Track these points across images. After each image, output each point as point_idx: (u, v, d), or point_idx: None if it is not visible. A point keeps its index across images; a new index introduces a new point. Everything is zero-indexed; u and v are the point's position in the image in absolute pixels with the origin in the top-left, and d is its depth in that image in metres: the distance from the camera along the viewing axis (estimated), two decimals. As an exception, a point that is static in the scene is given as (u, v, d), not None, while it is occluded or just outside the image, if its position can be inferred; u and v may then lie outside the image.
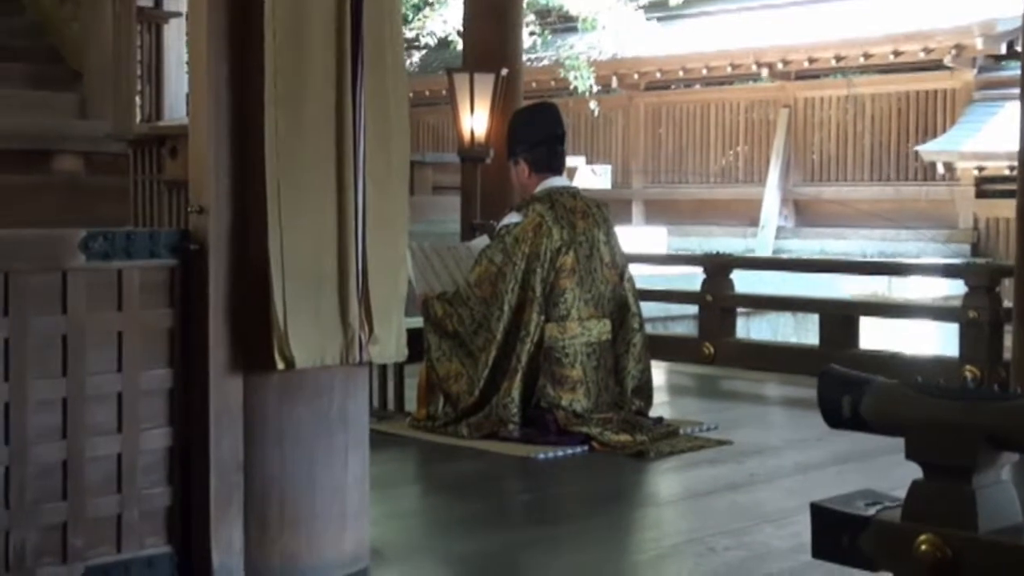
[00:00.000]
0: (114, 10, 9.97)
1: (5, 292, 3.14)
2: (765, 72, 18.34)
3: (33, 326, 3.18)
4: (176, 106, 10.88)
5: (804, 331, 10.78)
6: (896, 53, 16.99)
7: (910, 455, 2.49)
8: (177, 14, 10.87)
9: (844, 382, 2.61)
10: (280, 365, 3.35)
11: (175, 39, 10.88)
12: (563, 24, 20.62)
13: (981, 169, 15.80)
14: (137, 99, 9.99)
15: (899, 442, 2.50)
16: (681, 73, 19.34)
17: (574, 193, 5.80)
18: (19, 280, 3.16)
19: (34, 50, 11.23)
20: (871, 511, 2.53)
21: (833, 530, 2.58)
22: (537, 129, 5.83)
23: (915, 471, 2.50)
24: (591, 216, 5.70)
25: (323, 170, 3.41)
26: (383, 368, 5.86)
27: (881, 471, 4.28)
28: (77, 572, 3.26)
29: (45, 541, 3.22)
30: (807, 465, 5.10)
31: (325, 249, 3.41)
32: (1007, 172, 14.28)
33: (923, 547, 2.41)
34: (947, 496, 2.43)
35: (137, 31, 10.07)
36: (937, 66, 16.76)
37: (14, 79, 10.59)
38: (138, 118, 9.84)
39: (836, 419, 2.62)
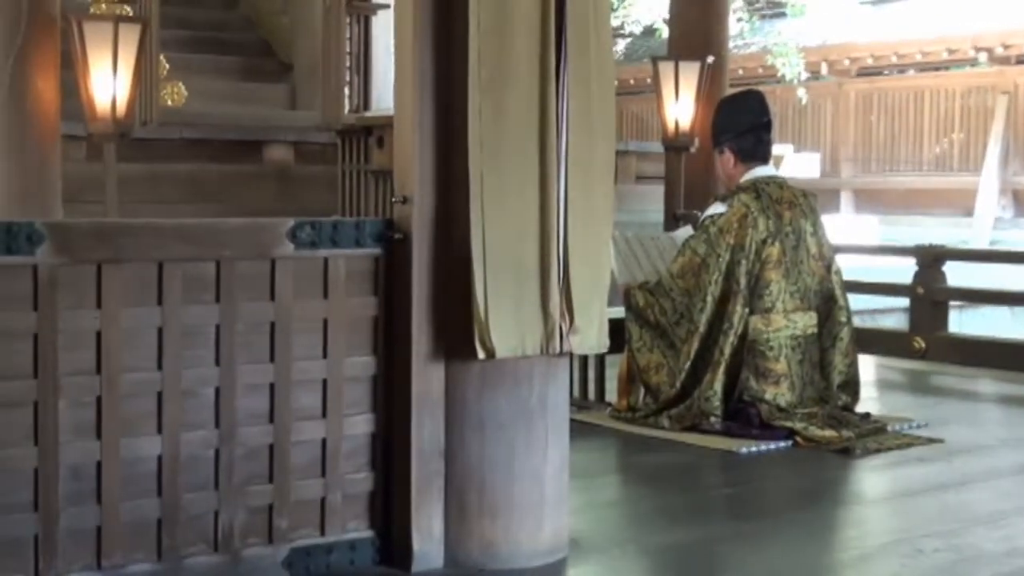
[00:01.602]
0: (324, 3, 10.21)
1: (217, 279, 3.24)
2: (984, 57, 17.73)
3: (242, 312, 3.27)
4: (384, 96, 11.06)
5: (1022, 326, 10.37)
6: (1125, 35, 16.23)
7: None
8: (386, 6, 11.05)
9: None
10: (481, 355, 3.36)
11: (383, 30, 11.06)
12: (771, 10, 20.31)
13: None
14: (345, 90, 10.21)
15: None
16: (894, 59, 18.84)
17: (781, 183, 5.69)
18: (229, 267, 3.25)
19: (246, 43, 11.61)
20: (1093, 518, 2.41)
21: (1051, 536, 2.46)
22: (743, 117, 5.73)
23: None
24: (798, 206, 5.58)
25: (526, 159, 3.40)
26: (584, 358, 5.85)
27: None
28: (282, 553, 3.34)
29: (252, 522, 3.30)
30: (1022, 466, 4.90)
31: (527, 239, 3.40)
32: None
33: None
34: None
35: (346, 23, 10.27)
36: None
37: (227, 71, 10.97)
38: (346, 109, 10.06)
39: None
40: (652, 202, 9.43)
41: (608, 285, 3.65)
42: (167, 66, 9.70)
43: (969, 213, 17.27)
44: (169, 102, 9.62)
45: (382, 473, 3.49)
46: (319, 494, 3.41)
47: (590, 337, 3.56)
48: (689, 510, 4.36)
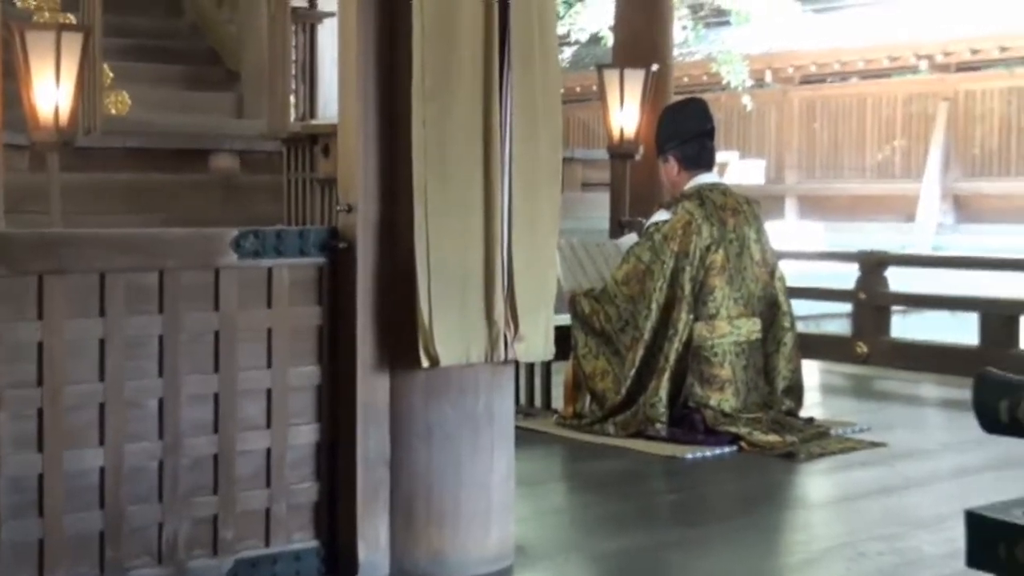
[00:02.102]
0: (269, 11, 10.16)
1: (160, 289, 3.22)
2: (924, 64, 17.94)
3: (186, 322, 3.25)
4: (330, 105, 11.02)
5: (963, 331, 10.47)
6: (1064, 43, 16.47)
7: (1071, 462, 2.39)
8: (331, 14, 11.01)
9: (1001, 386, 2.52)
10: (425, 363, 3.36)
11: (329, 39, 11.01)
12: (716, 18, 20.41)
13: None
14: (292, 98, 10.16)
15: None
16: (837, 66, 19.01)
17: (724, 190, 5.73)
18: (173, 277, 3.23)
19: (192, 51, 11.54)
20: (1030, 520, 2.44)
21: (989, 539, 2.49)
22: (686, 125, 5.77)
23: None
24: (741, 213, 5.62)
25: (470, 167, 3.41)
26: (530, 365, 5.86)
27: (1042, 477, 4.15)
28: (227, 564, 3.33)
29: (196, 533, 3.29)
30: (964, 469, 4.96)
31: (471, 247, 3.41)
32: None
33: (1084, 558, 2.31)
34: (1111, 506, 2.33)
35: (292, 31, 10.24)
36: (1107, 56, 16.21)
37: (173, 80, 10.89)
38: (292, 117, 10.01)
39: (992, 424, 2.53)
40: (598, 209, 9.45)
41: (555, 293, 3.67)
42: (111, 75, 9.62)
43: (911, 219, 17.46)
44: (113, 111, 9.53)
45: (328, 483, 3.49)
46: (264, 504, 3.40)
47: (536, 345, 3.57)
48: (635, 516, 4.38)
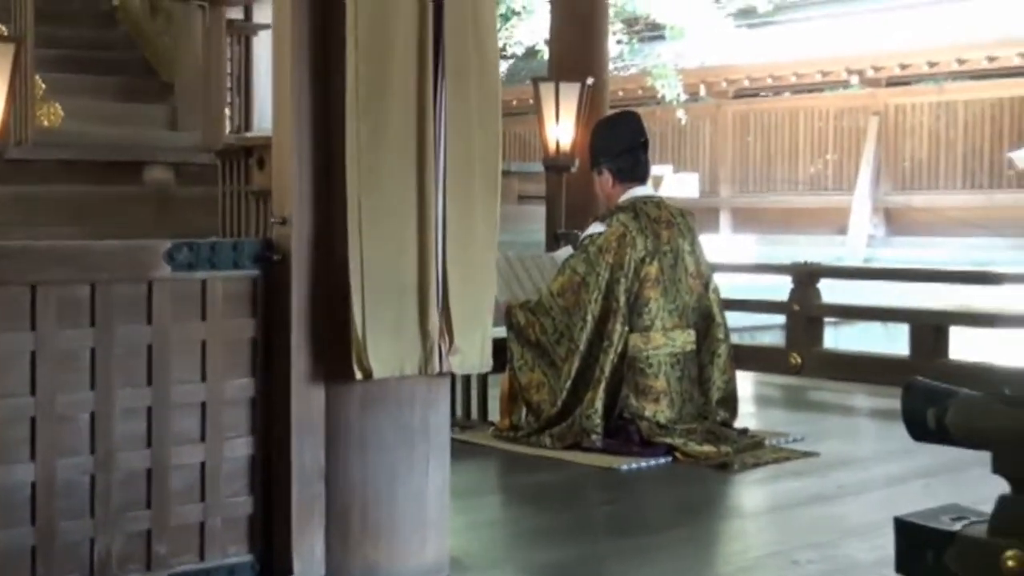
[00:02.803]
0: (204, 23, 10.12)
1: (92, 302, 3.19)
2: (855, 79, 18.16)
3: (119, 335, 3.23)
4: (265, 117, 10.99)
5: (894, 341, 10.61)
6: (990, 59, 16.75)
7: (997, 469, 2.44)
8: (266, 26, 10.97)
9: (929, 394, 2.56)
10: (358, 375, 3.36)
11: (265, 51, 10.99)
12: (650, 32, 20.56)
13: (1078, 176, 15.50)
14: (227, 111, 10.12)
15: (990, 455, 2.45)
16: (770, 80, 19.20)
17: (658, 202, 5.77)
18: (105, 290, 3.21)
19: (126, 63, 11.44)
20: (956, 526, 2.49)
21: (917, 545, 2.54)
22: (620, 138, 5.80)
23: (1006, 486, 2.45)
24: (676, 225, 5.66)
25: (404, 180, 3.41)
26: (466, 378, 5.87)
27: (971, 485, 4.18)
28: (161, 579, 3.30)
29: (130, 548, 3.26)
30: (894, 478, 5.02)
31: (405, 260, 3.41)
32: (1105, 179, 13.99)
33: (1010, 563, 2.36)
34: (1035, 511, 2.37)
35: (227, 43, 10.20)
36: (1032, 72, 16.49)
37: (107, 91, 10.79)
38: (227, 129, 9.97)
39: (920, 432, 2.57)
40: (533, 222, 9.48)
41: (493, 305, 3.67)
42: (43, 86, 9.52)
43: (843, 232, 17.66)
44: (45, 123, 9.44)
45: (262, 496, 3.47)
46: (198, 519, 3.38)
47: (472, 357, 3.57)
48: (570, 528, 4.39)
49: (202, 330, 3.36)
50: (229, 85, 10.23)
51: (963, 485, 4.42)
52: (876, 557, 3.76)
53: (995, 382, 6.15)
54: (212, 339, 3.37)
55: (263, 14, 11.25)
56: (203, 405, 3.37)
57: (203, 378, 3.36)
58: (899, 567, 2.60)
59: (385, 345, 3.37)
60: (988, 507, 2.46)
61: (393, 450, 3.52)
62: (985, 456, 2.45)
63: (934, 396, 2.54)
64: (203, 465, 3.37)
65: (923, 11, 17.86)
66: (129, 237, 3.57)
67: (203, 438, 3.37)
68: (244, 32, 10.64)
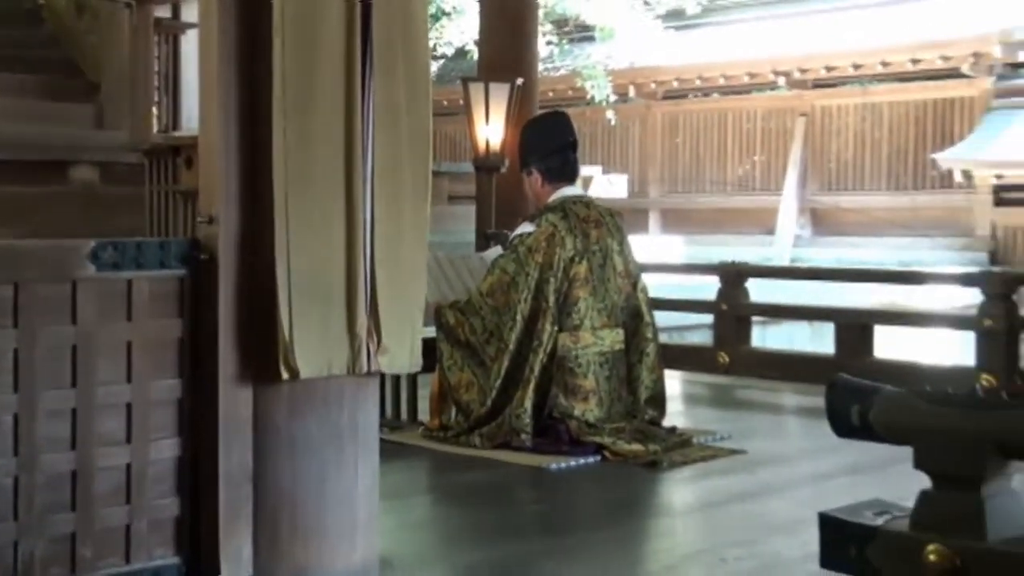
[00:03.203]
0: (131, 22, 10.02)
1: (15, 302, 3.15)
2: (782, 81, 18.34)
3: (43, 336, 3.18)
4: (193, 116, 10.91)
5: (820, 340, 10.72)
6: (914, 61, 16.98)
7: (918, 464, 2.48)
8: (194, 25, 10.90)
9: (853, 391, 2.60)
10: (284, 375, 3.34)
11: (192, 50, 10.92)
12: (580, 33, 20.63)
13: (999, 177, 15.76)
14: (154, 110, 10.04)
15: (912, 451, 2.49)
16: (698, 82, 19.35)
17: (587, 202, 5.80)
18: (29, 290, 3.16)
19: (52, 62, 11.27)
20: (879, 521, 2.53)
21: (841, 540, 2.57)
22: (548, 139, 5.83)
23: (928, 481, 2.49)
24: (604, 225, 5.69)
25: (331, 180, 3.40)
26: (396, 378, 5.86)
27: (894, 481, 4.23)
28: (86, 583, 3.27)
29: (54, 551, 3.21)
30: (820, 475, 5.08)
31: (333, 259, 3.40)
32: (1025, 180, 14.24)
33: (931, 557, 2.40)
34: (955, 505, 2.41)
35: (155, 42, 10.11)
36: (955, 74, 16.75)
37: (32, 90, 10.62)
38: (155, 128, 9.88)
39: (844, 428, 2.61)
40: (464, 222, 9.50)
41: (424, 305, 3.67)
42: (-36, 85, 9.38)
43: (771, 232, 17.84)
44: (-34, 122, 9.29)
45: (189, 498, 3.44)
46: (124, 521, 3.34)
47: (401, 357, 3.56)
48: (500, 527, 4.40)
49: (128, 330, 3.32)
50: (157, 84, 10.15)
51: (887, 481, 4.47)
52: (802, 553, 3.80)
53: (918, 380, 6.25)
54: (138, 340, 3.34)
55: (191, 12, 11.18)
56: (129, 406, 3.32)
57: (129, 379, 3.32)
58: (824, 562, 2.63)
59: (312, 345, 3.36)
60: (911, 502, 2.49)
61: (321, 451, 3.51)
62: (909, 452, 2.49)
63: (858, 393, 2.58)
64: (129, 467, 3.33)
65: (848, 14, 18.09)
66: (55, 237, 3.53)
67: (129, 440, 3.33)
68: (172, 31, 10.56)
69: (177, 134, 9.59)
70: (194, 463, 3.43)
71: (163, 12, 10.88)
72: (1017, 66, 16.22)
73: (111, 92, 10.79)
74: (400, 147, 3.51)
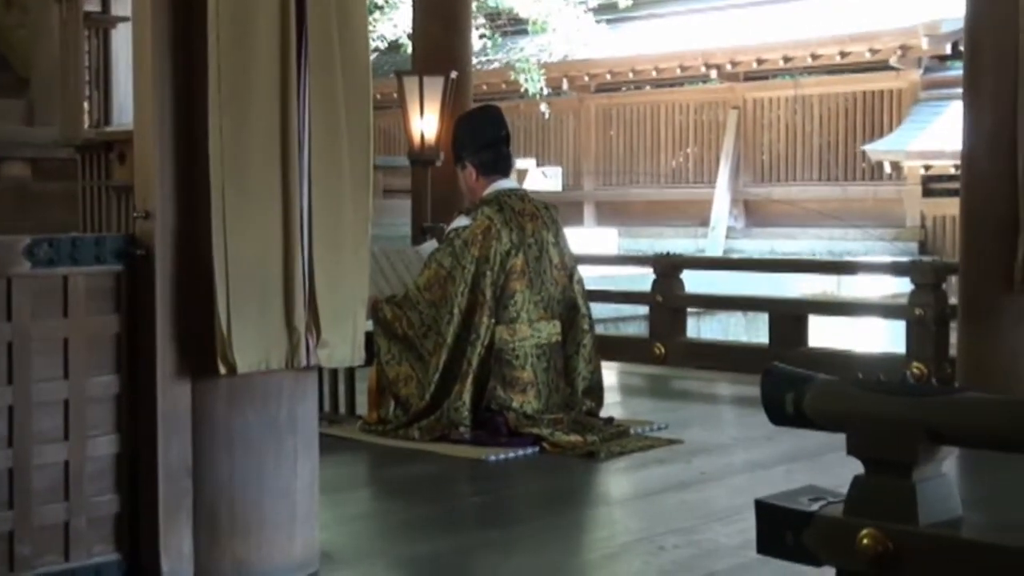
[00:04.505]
0: (61, 16, 9.89)
1: (-51, 300, 3.13)
2: (714, 73, 18.46)
3: (-23, 334, 3.16)
4: (125, 111, 10.82)
5: (754, 330, 10.85)
6: (843, 54, 17.15)
7: (851, 451, 2.51)
8: (125, 19, 10.80)
9: (787, 380, 2.63)
10: (222, 370, 3.33)
11: (123, 44, 10.82)
12: (513, 27, 20.66)
13: (927, 168, 15.97)
14: (85, 104, 9.92)
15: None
16: (631, 75, 19.42)
17: (522, 195, 5.82)
18: (-38, 288, 3.14)
19: (-21, 57, 11.12)
20: (814, 507, 2.56)
21: (777, 526, 2.60)
22: (481, 132, 5.84)
23: (861, 467, 2.53)
24: (540, 218, 5.72)
25: (268, 174, 3.39)
26: (334, 372, 5.86)
27: (829, 468, 4.33)
28: (24, 581, 3.25)
29: (-9, 550, 3.20)
30: (756, 463, 5.14)
31: (270, 254, 3.39)
32: (952, 171, 14.43)
33: (865, 541, 2.43)
34: (888, 490, 2.45)
35: (84, 36, 9.99)
36: (883, 67, 16.94)
37: (-41, 86, 10.47)
38: (86, 123, 9.77)
39: (779, 417, 2.64)
40: (399, 215, 9.50)
41: (366, 299, 3.67)
42: None
43: (705, 224, 17.96)
44: None
45: (128, 494, 3.43)
46: (63, 518, 3.32)
47: (342, 351, 3.56)
48: (439, 520, 4.41)
49: (64, 327, 3.31)
50: (87, 79, 10.03)
51: (822, 469, 4.55)
52: (739, 540, 3.85)
53: (851, 368, 6.33)
54: (74, 336, 3.32)
55: (121, 6, 11.06)
56: (66, 403, 3.31)
57: (66, 375, 3.31)
58: (760, 548, 2.67)
59: (250, 339, 3.35)
60: (845, 488, 2.54)
61: (260, 445, 3.50)
62: (842, 440, 2.53)
63: (792, 382, 2.61)
64: (67, 464, 3.32)
65: (779, 7, 18.24)
66: (-14, 234, 3.50)
67: (66, 436, 3.31)
68: (102, 25, 10.43)
69: (109, 129, 9.49)
70: (133, 459, 3.42)
71: (93, 6, 10.76)
72: (944, 58, 16.43)
73: (41, 87, 10.66)
74: (339, 140, 3.51)
